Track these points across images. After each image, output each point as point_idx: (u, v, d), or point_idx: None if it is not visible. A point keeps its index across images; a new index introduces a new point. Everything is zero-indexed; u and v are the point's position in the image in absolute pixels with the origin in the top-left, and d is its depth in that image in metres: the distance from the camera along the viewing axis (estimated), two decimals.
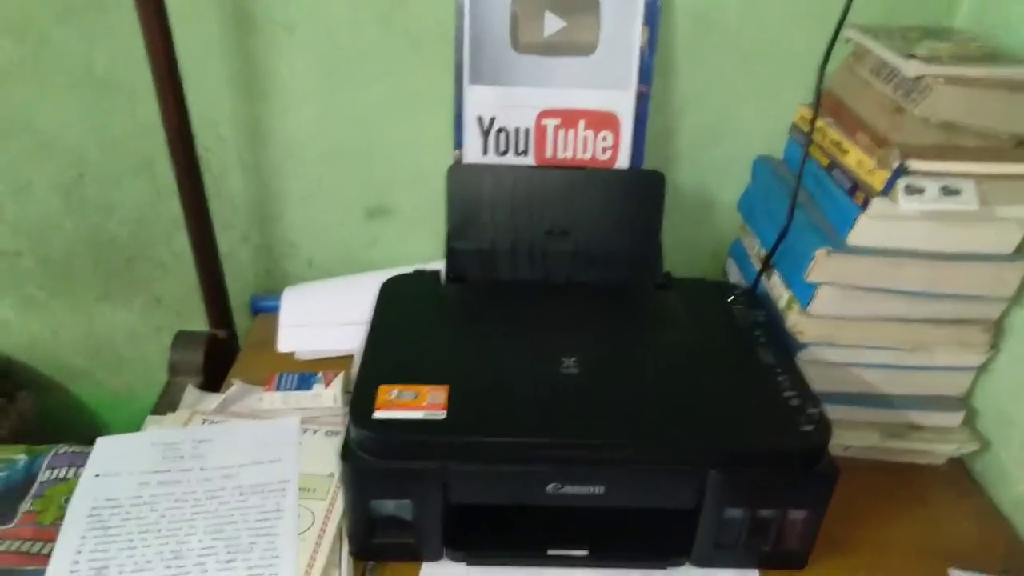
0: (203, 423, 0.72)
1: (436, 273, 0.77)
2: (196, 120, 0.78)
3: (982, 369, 0.72)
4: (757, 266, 0.80)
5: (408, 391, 0.59)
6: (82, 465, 0.70)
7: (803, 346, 0.70)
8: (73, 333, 0.98)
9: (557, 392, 0.60)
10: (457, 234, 0.79)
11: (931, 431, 0.73)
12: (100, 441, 0.70)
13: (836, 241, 0.67)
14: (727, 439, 0.57)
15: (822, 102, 0.72)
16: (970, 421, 0.74)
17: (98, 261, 0.93)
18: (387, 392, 0.59)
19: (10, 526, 0.78)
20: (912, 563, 0.64)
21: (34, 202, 0.89)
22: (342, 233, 0.91)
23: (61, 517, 0.65)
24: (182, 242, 0.86)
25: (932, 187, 0.63)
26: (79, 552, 0.59)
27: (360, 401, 0.58)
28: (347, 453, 0.57)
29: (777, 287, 0.75)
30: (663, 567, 0.61)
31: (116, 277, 0.94)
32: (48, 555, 0.61)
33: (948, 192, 0.63)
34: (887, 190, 0.63)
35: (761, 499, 0.58)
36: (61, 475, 0.83)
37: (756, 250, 0.81)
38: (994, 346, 0.71)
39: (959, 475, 0.74)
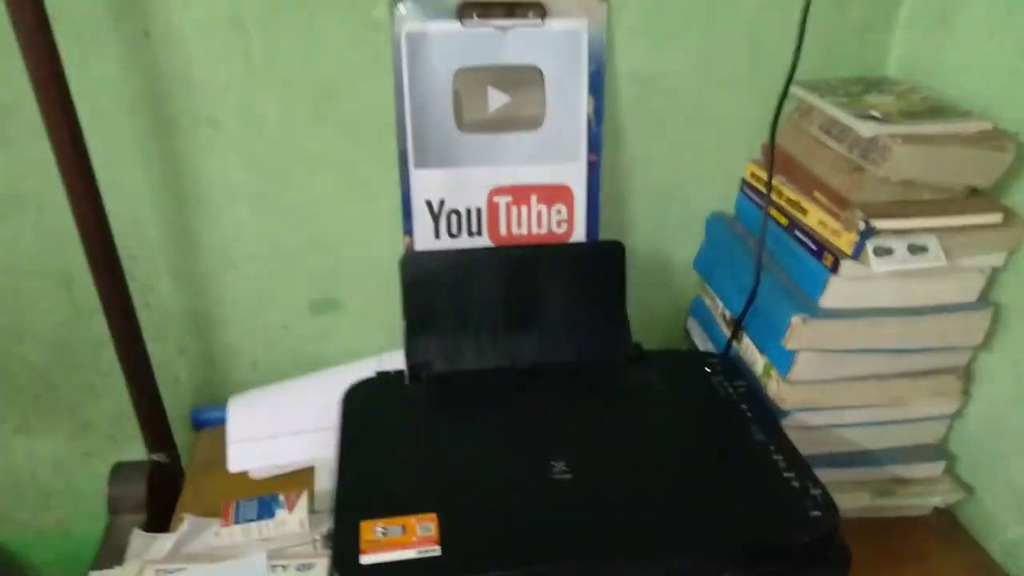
0: (157, 575, 0.64)
1: (399, 374, 0.72)
2: (118, 227, 0.71)
3: (956, 416, 0.73)
4: (723, 327, 0.79)
5: (394, 525, 0.54)
6: None
7: (786, 413, 0.69)
8: None
9: (553, 505, 0.56)
10: (415, 327, 0.74)
11: (917, 483, 0.73)
12: None
13: (809, 305, 0.66)
14: (738, 543, 0.54)
15: (774, 159, 0.72)
16: (951, 469, 0.74)
17: (12, 391, 0.84)
18: (371, 529, 0.54)
19: None
20: None
21: None
22: (288, 331, 0.85)
23: None
24: (110, 361, 0.78)
25: (899, 246, 0.62)
26: None
27: (343, 544, 0.53)
28: None
29: (750, 351, 0.73)
30: None
31: (34, 406, 0.85)
32: None
33: (915, 250, 0.62)
34: (857, 253, 0.62)
35: None
36: None
37: (720, 311, 0.80)
38: (966, 392, 0.71)
39: (948, 524, 0.74)
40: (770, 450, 0.62)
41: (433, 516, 0.54)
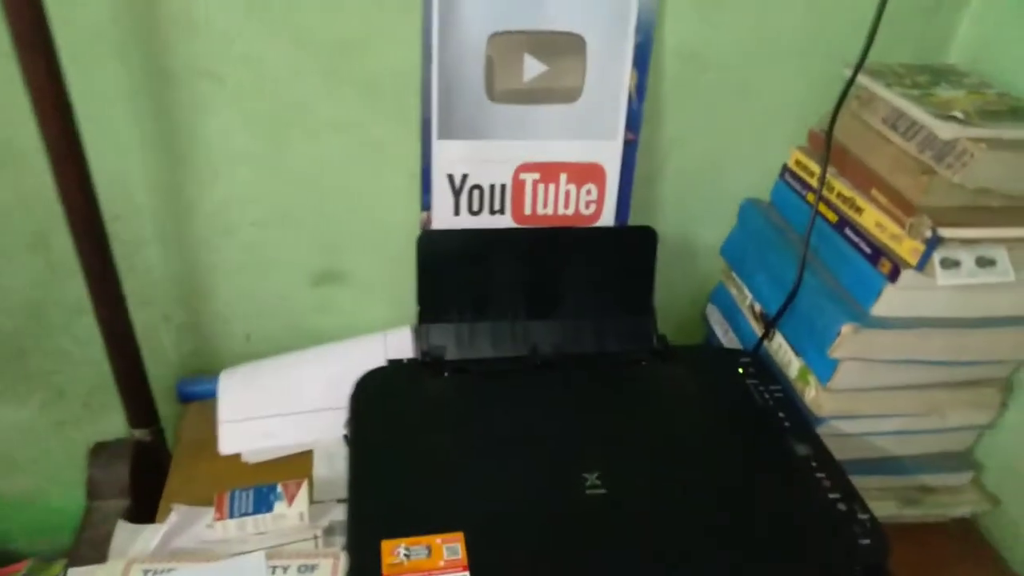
0: (145, 575, 0.59)
1: (412, 362, 0.67)
2: (103, 184, 0.63)
3: (988, 426, 0.70)
4: (751, 321, 0.75)
5: (418, 545, 0.49)
6: None
7: (821, 421, 0.66)
8: None
9: (588, 525, 0.52)
10: (430, 311, 0.69)
11: (944, 492, 0.71)
12: None
13: (859, 313, 0.62)
14: (785, 571, 0.51)
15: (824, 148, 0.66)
16: (978, 479, 0.72)
17: None
18: (393, 550, 0.49)
19: None
20: None
21: None
22: (286, 303, 0.79)
23: None
24: (87, 326, 0.71)
25: (967, 259, 0.58)
26: None
27: (361, 568, 0.48)
28: None
29: (783, 351, 0.69)
30: None
31: (3, 373, 0.78)
32: None
33: (983, 263, 0.58)
34: (922, 264, 0.58)
35: None
36: None
37: (748, 303, 0.76)
38: (1004, 403, 0.69)
39: (967, 533, 0.72)
40: (813, 466, 0.59)
41: (460, 535, 0.50)
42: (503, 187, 0.70)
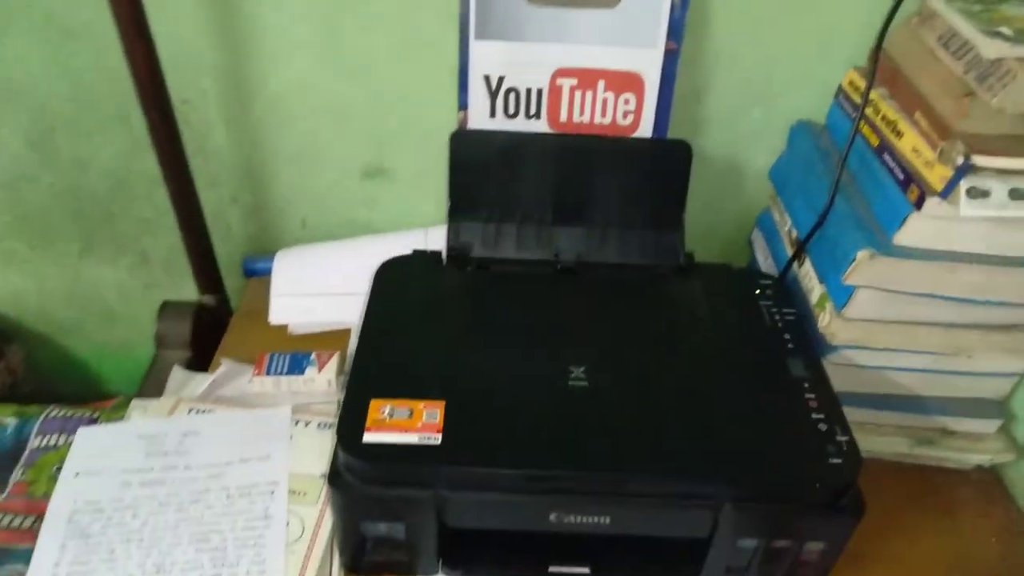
0: (189, 412, 0.68)
1: (437, 254, 0.71)
2: (173, 69, 0.70)
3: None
4: (787, 247, 0.73)
5: (402, 408, 0.54)
6: (72, 432, 0.67)
7: (833, 349, 0.65)
8: (58, 288, 0.94)
9: (563, 411, 0.55)
10: (460, 208, 0.72)
11: (964, 437, 0.69)
12: (81, 432, 0.66)
13: (881, 240, 0.60)
14: (746, 474, 0.52)
15: (878, 69, 0.63)
16: (1006, 428, 0.69)
17: (77, 216, 0.87)
18: (379, 409, 0.54)
19: (1, 497, 0.77)
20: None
21: (5, 155, 0.82)
22: (338, 193, 0.84)
23: (52, 489, 0.62)
24: (165, 198, 0.80)
25: (999, 189, 0.55)
26: (57, 564, 0.56)
27: (349, 420, 0.53)
28: (335, 477, 0.52)
29: (809, 277, 0.68)
30: None
31: (98, 232, 0.89)
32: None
33: (1017, 196, 0.55)
34: (947, 191, 0.55)
35: (778, 532, 0.54)
36: (52, 442, 0.80)
37: (787, 228, 0.74)
38: None
39: (989, 483, 0.70)
40: (804, 387, 0.59)
41: (441, 404, 0.54)
42: (539, 92, 0.71)
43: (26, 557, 0.57)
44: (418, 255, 0.71)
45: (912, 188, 0.58)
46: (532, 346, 0.61)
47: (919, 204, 0.57)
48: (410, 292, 0.67)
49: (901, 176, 0.60)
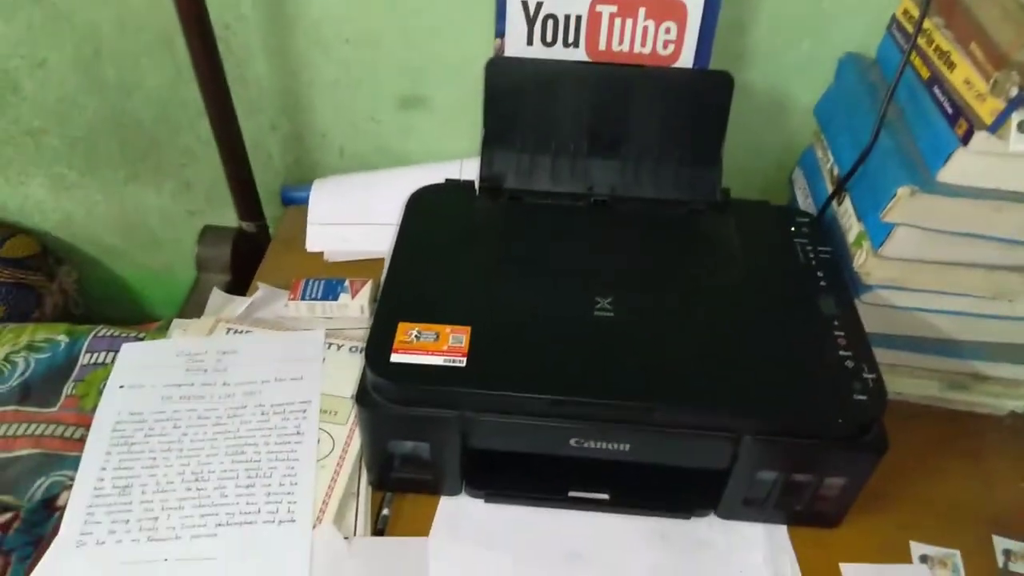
0: (227, 332, 0.70)
1: (469, 184, 0.71)
2: None
3: None
4: (829, 185, 0.72)
5: (429, 331, 0.55)
6: (119, 350, 0.70)
7: (868, 288, 0.63)
8: (106, 213, 0.97)
9: (587, 340, 0.56)
10: (494, 138, 0.71)
11: (998, 383, 0.67)
12: (125, 348, 0.69)
13: (924, 177, 0.58)
14: (768, 407, 0.53)
15: None
16: None
17: (123, 143, 0.89)
18: (406, 331, 0.55)
19: (54, 409, 0.81)
20: (954, 525, 0.61)
21: (52, 79, 0.84)
22: (375, 123, 0.85)
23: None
24: (208, 127, 0.81)
25: None
26: (103, 469, 0.59)
27: (377, 341, 0.55)
28: (363, 396, 0.54)
29: (848, 216, 0.66)
30: (687, 517, 0.59)
31: (143, 160, 0.91)
32: None
33: None
34: (997, 125, 0.53)
35: (798, 466, 0.54)
36: (100, 359, 0.84)
37: (829, 166, 0.72)
38: None
39: (1022, 429, 0.69)
40: (834, 324, 0.58)
41: (467, 329, 0.55)
42: (578, 19, 0.70)
43: (76, 464, 0.61)
44: (451, 184, 0.72)
45: (960, 122, 0.56)
46: (560, 277, 0.61)
47: (966, 139, 0.55)
48: (441, 221, 0.67)
49: (950, 110, 0.58)
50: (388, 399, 0.54)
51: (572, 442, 0.54)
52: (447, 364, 0.53)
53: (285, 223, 0.86)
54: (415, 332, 0.55)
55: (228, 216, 0.89)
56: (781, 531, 0.59)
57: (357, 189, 0.83)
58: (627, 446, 0.54)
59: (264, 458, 0.60)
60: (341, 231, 0.82)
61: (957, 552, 0.59)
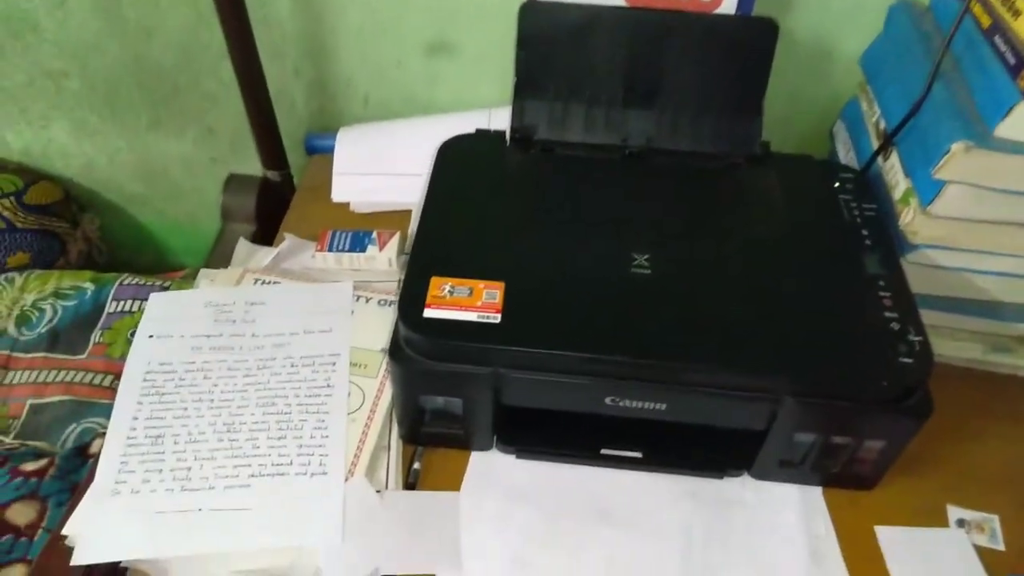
0: (255, 283, 0.70)
1: (500, 135, 0.69)
2: None
3: None
4: (874, 140, 0.69)
5: (462, 286, 0.54)
6: (146, 299, 0.69)
7: (914, 248, 0.61)
8: (128, 159, 0.95)
9: (623, 297, 0.54)
10: (526, 86, 0.69)
11: None
12: (153, 297, 0.69)
13: (980, 132, 0.55)
14: (811, 368, 0.51)
15: None
16: None
17: (144, 88, 0.87)
18: (439, 286, 0.54)
19: (82, 357, 0.82)
20: (993, 490, 0.60)
21: (72, 21, 0.82)
22: (401, 70, 0.82)
23: (128, 351, 0.64)
24: (230, 71, 0.79)
25: None
26: (135, 418, 0.59)
27: (410, 295, 0.54)
28: (395, 350, 0.53)
29: (895, 171, 0.64)
30: (720, 477, 0.59)
31: (165, 105, 0.89)
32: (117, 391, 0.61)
33: None
34: None
35: (839, 428, 0.53)
36: (127, 308, 0.84)
37: (875, 119, 0.69)
38: None
39: None
40: (879, 285, 0.56)
41: (501, 285, 0.54)
42: None
43: (106, 411, 0.61)
44: (481, 135, 0.70)
45: None
46: (595, 232, 0.60)
47: None
48: (472, 172, 0.66)
49: (1012, 60, 0.55)
50: (421, 354, 0.53)
51: (607, 400, 0.53)
52: (481, 320, 0.52)
53: (310, 172, 0.84)
54: (448, 287, 0.54)
55: (252, 165, 0.88)
56: (815, 492, 0.59)
57: (383, 138, 0.81)
58: (663, 406, 0.53)
59: (295, 410, 0.60)
60: (367, 181, 0.80)
61: (996, 517, 0.58)
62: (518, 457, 0.59)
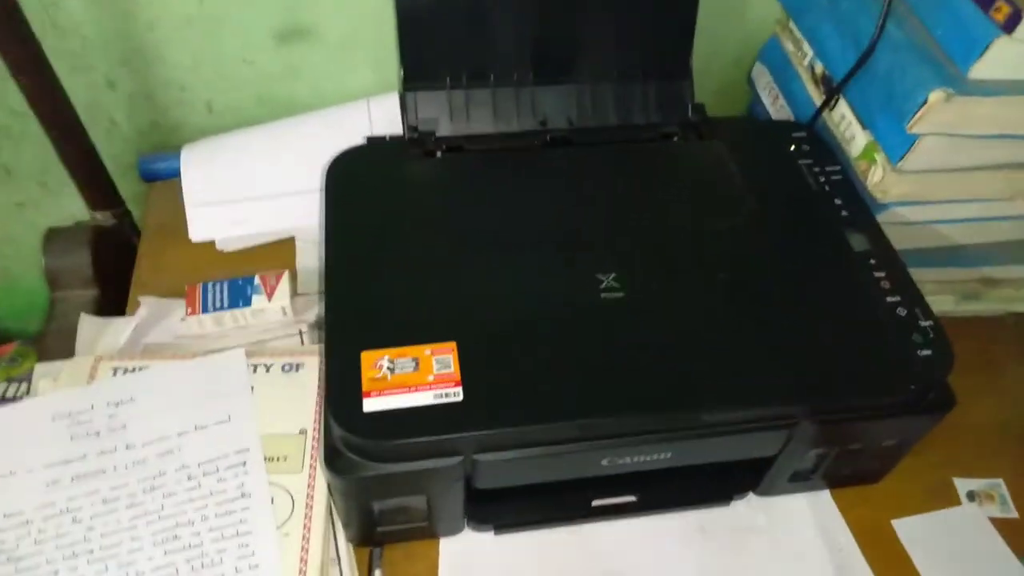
0: (114, 373, 0.54)
1: (397, 140, 0.56)
2: None
3: None
4: (809, 85, 0.62)
5: (404, 358, 0.42)
6: None
7: (883, 207, 0.55)
8: None
9: (602, 334, 0.44)
10: (416, 74, 0.57)
11: (1008, 285, 0.63)
12: None
13: (953, 76, 0.49)
14: (829, 386, 0.44)
15: None
16: None
17: None
18: (374, 363, 0.42)
19: None
20: (989, 451, 0.57)
21: None
22: (249, 66, 0.66)
23: None
24: (20, 97, 0.60)
25: None
26: None
27: (339, 384, 0.41)
28: (333, 457, 0.41)
29: (847, 123, 0.57)
30: (727, 503, 0.52)
31: None
32: None
33: None
34: None
35: (855, 439, 0.47)
36: None
37: (807, 62, 0.62)
38: None
39: None
40: (871, 264, 0.50)
41: (452, 345, 0.43)
42: None
43: None
44: (374, 144, 0.56)
45: (999, 5, 0.47)
46: (544, 252, 0.49)
47: (1010, 26, 0.46)
48: (373, 195, 0.52)
49: None
50: (368, 457, 0.41)
51: (604, 463, 0.44)
52: (440, 402, 0.41)
53: (154, 206, 0.67)
54: (385, 362, 0.42)
55: (75, 206, 0.69)
56: (824, 497, 0.53)
57: (240, 152, 0.66)
58: (668, 454, 0.44)
59: (206, 539, 0.46)
60: (231, 211, 0.65)
61: (1001, 481, 0.55)
62: (496, 534, 0.49)
